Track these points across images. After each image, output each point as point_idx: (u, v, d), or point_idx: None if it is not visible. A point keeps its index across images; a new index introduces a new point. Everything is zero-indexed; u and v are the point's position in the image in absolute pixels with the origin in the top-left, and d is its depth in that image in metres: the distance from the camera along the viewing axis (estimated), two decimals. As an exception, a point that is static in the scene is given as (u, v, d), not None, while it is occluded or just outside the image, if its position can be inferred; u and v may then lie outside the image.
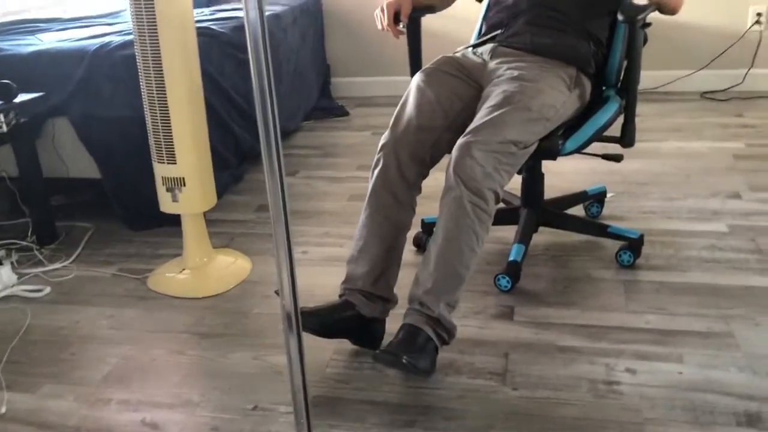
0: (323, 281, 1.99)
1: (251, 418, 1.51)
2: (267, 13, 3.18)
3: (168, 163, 1.96)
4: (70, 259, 2.28)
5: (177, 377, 1.68)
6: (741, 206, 2.32)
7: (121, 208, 2.44)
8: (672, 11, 1.77)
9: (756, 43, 3.51)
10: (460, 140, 1.61)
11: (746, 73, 3.55)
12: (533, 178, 2.07)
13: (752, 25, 3.49)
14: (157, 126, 1.93)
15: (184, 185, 1.98)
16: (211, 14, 3.07)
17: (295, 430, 1.20)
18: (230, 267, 2.14)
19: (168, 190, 2.00)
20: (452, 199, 1.57)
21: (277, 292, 1.17)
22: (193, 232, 2.09)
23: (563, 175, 2.62)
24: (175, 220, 2.12)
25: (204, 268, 2.11)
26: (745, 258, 2.00)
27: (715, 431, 1.37)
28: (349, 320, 1.65)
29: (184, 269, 2.10)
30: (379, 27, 1.94)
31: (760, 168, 2.61)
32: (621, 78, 1.93)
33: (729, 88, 3.57)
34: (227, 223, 2.48)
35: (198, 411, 1.55)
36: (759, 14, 3.47)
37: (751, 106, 3.36)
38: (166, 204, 2.04)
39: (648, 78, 3.51)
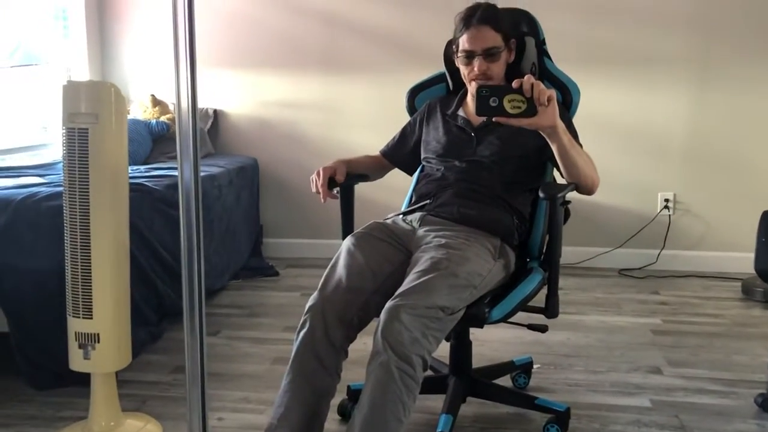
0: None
1: None
2: (203, 174, 3.24)
3: (84, 318, 1.87)
4: (-40, 420, 2.07)
5: None
6: (662, 381, 2.35)
7: (25, 364, 2.27)
8: (588, 191, 1.89)
9: (666, 226, 3.76)
10: (389, 304, 1.61)
11: (659, 253, 3.76)
12: (461, 346, 2.06)
13: (661, 210, 3.76)
14: (77, 278, 1.86)
15: (98, 341, 1.87)
16: (146, 171, 3.10)
17: None
18: (139, 433, 1.98)
19: (80, 346, 1.89)
20: (379, 365, 1.54)
21: None
22: (102, 392, 1.95)
23: (490, 343, 2.63)
24: (83, 380, 1.98)
25: (110, 433, 1.94)
26: (669, 435, 2.00)
27: None
28: None
29: (87, 433, 1.94)
30: (314, 189, 1.99)
31: (678, 344, 2.69)
32: (544, 251, 2.00)
33: (644, 267, 3.76)
34: (140, 384, 2.33)
35: None
36: (667, 200, 3.75)
37: (665, 284, 3.53)
38: (77, 361, 1.91)
39: (569, 253, 3.67)
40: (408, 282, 1.66)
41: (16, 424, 2.06)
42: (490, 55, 1.92)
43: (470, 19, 1.93)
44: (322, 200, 1.99)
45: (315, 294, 1.72)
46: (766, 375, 2.38)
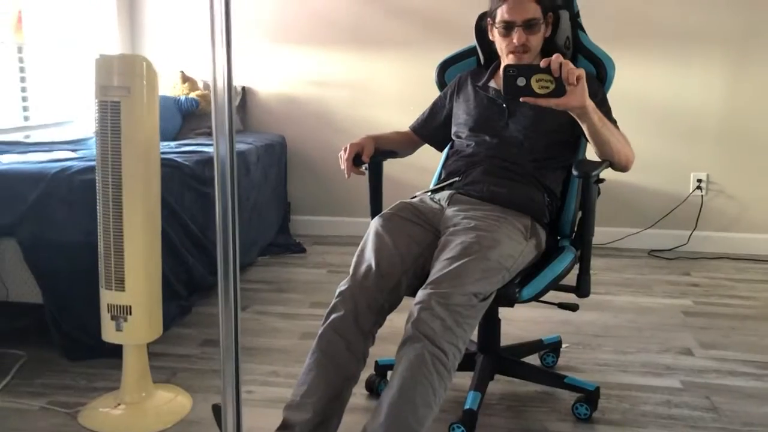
0: (267, 424, 1.87)
1: None
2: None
3: (116, 290, 1.89)
4: (-3, 388, 2.12)
5: None
6: (693, 363, 2.32)
7: (60, 336, 2.31)
8: (623, 168, 1.85)
9: (698, 207, 3.69)
10: (420, 293, 1.60)
11: (690, 235, 3.70)
12: (490, 325, 2.05)
13: (694, 191, 3.69)
14: (109, 251, 1.88)
15: (130, 314, 1.90)
16: (176, 147, 3.11)
17: None
18: (169, 404, 2.01)
19: (113, 318, 1.92)
20: (411, 350, 1.53)
21: (215, 410, 1.09)
22: (134, 364, 1.98)
23: (518, 322, 2.61)
24: (116, 351, 2.01)
25: (141, 404, 1.97)
26: (700, 416, 1.97)
27: None
28: None
29: (119, 404, 1.97)
30: (342, 166, 1.98)
31: (709, 326, 2.65)
32: (575, 229, 1.98)
33: (675, 248, 3.71)
34: (171, 357, 2.36)
35: None
36: (699, 180, 3.68)
37: (697, 265, 3.47)
38: (109, 333, 1.94)
39: (599, 233, 3.61)
40: (438, 269, 1.64)
41: (51, 393, 2.11)
42: (530, 26, 1.89)
43: None
44: (347, 175, 1.98)
45: (346, 280, 1.71)
46: (801, 358, 2.34)
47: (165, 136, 3.48)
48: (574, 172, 1.78)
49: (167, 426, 1.91)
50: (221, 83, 1.08)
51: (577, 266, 1.91)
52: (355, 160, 1.98)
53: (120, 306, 1.89)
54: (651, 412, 1.99)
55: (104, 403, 2.00)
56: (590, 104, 1.67)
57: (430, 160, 2.33)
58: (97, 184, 1.89)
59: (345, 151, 1.97)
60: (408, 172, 3.25)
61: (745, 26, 3.51)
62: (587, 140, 1.83)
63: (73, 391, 2.12)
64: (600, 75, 1.99)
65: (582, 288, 1.86)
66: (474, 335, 2.05)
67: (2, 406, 2.03)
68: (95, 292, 1.96)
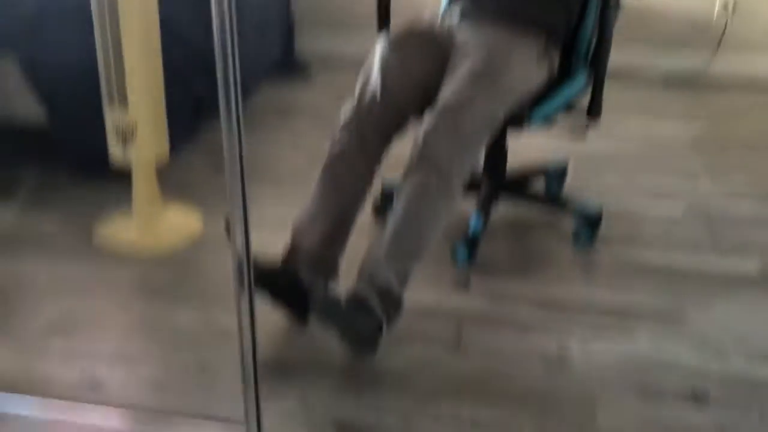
0: (277, 244, 1.93)
1: (196, 378, 1.46)
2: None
3: (120, 108, 1.87)
4: (10, 207, 2.17)
5: (121, 332, 1.62)
6: (699, 189, 2.33)
7: (66, 155, 2.33)
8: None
9: (721, 29, 3.53)
10: (427, 117, 1.57)
11: (711, 59, 3.57)
12: (497, 148, 2.04)
13: (719, 11, 3.50)
14: (110, 67, 1.84)
15: (136, 133, 1.89)
16: (172, -41, 2.93)
17: (242, 391, 1.16)
18: (181, 223, 2.07)
19: (118, 137, 1.91)
20: (417, 174, 1.53)
21: (227, 224, 1.12)
22: (144, 185, 2.01)
23: (526, 146, 2.59)
24: (125, 173, 2.03)
25: (153, 223, 2.03)
26: (700, 239, 2.01)
27: (663, 407, 1.38)
28: (287, 284, 1.55)
29: (132, 222, 2.02)
30: None
31: (719, 153, 2.64)
32: (591, 51, 1.90)
33: (693, 72, 3.59)
34: (179, 178, 2.38)
35: (141, 367, 1.50)
36: (726, 1, 3.49)
37: (714, 91, 3.38)
38: (116, 153, 1.95)
39: (614, 56, 3.50)
40: (447, 93, 1.60)
41: (64, 211, 2.16)
42: None
43: None
44: None
45: (351, 106, 1.68)
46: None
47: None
48: (594, -12, 1.67)
49: (180, 243, 1.98)
50: None
51: (589, 89, 1.86)
52: None
53: (125, 125, 1.88)
54: (652, 235, 2.03)
55: (117, 221, 2.05)
56: None
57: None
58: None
59: None
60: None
61: None
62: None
63: (85, 209, 2.17)
64: None
65: (593, 111, 1.83)
66: (481, 157, 2.05)
67: (19, 223, 2.09)
68: (100, 110, 1.94)
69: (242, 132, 1.07)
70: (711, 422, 1.35)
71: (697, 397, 1.41)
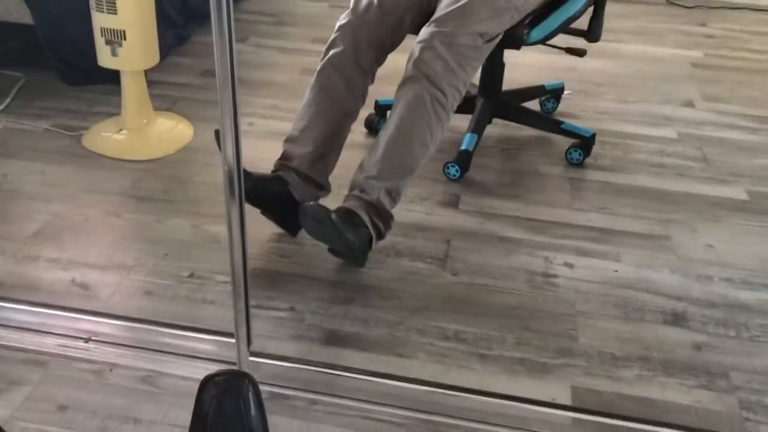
0: (268, 154, 1.91)
1: (186, 285, 1.48)
2: None
3: (108, 13, 1.81)
4: (-2, 110, 2.14)
5: (110, 239, 1.63)
6: (693, 115, 2.32)
7: (55, 59, 2.27)
8: None
9: (729, -49, 3.42)
10: (423, 31, 1.53)
11: (715, -19, 3.48)
12: (493, 68, 2.01)
13: (728, -69, 3.39)
14: (97, -30, 1.77)
15: (125, 39, 1.84)
16: None
17: (232, 299, 1.18)
18: (171, 131, 2.05)
19: (107, 42, 1.86)
20: (411, 90, 1.51)
21: (217, 134, 1.11)
22: (133, 91, 1.97)
23: (522, 67, 2.55)
24: (114, 77, 1.99)
25: (143, 130, 2.01)
26: (690, 165, 2.02)
27: (642, 327, 1.42)
28: (277, 195, 1.54)
29: (121, 129, 2.00)
30: None
31: (717, 79, 2.61)
32: (595, -32, 1.85)
33: (696, -5, 3.51)
34: (170, 86, 2.35)
35: (131, 274, 1.51)
36: None
37: (715, 15, 3.32)
38: (105, 58, 1.90)
39: (618, -24, 3.40)
40: (444, 6, 1.55)
41: (52, 115, 2.13)
42: None
43: None
44: None
45: (346, 13, 1.63)
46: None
47: None
48: None
49: (170, 152, 1.96)
50: None
51: (590, 9, 1.82)
52: None
53: (113, 30, 1.83)
54: (642, 160, 2.04)
55: (106, 127, 2.03)
56: None
57: None
58: None
59: None
60: None
61: None
62: None
63: (74, 114, 2.14)
64: None
65: (593, 32, 1.80)
66: (476, 78, 2.02)
67: (7, 126, 2.06)
68: (89, 13, 1.88)
69: (233, 40, 1.04)
70: (688, 341, 1.39)
71: (677, 318, 1.45)
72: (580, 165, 1.99)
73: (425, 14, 1.63)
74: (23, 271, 1.51)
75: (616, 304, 1.48)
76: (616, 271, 1.58)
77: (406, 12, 1.65)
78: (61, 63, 2.28)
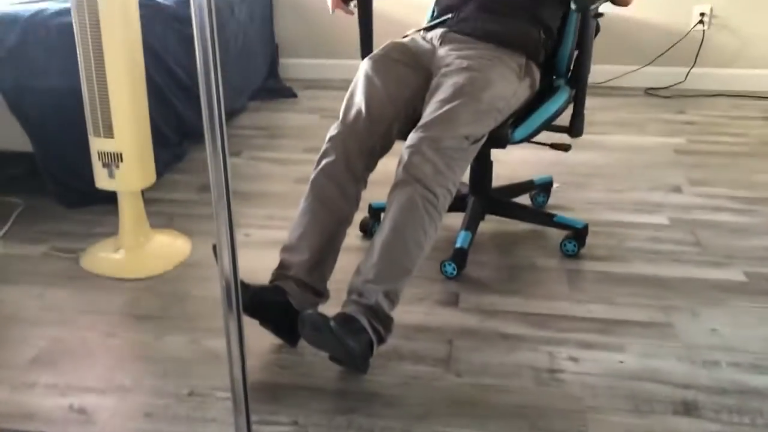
0: (266, 265, 1.93)
1: (187, 404, 1.45)
2: (214, -12, 3.08)
3: (105, 137, 1.87)
4: (-3, 236, 2.16)
5: (109, 361, 1.61)
6: (682, 200, 2.36)
7: (54, 184, 2.32)
8: (624, 2, 1.77)
9: (699, 42, 3.59)
10: (411, 136, 1.58)
11: (689, 71, 3.63)
12: (482, 166, 2.05)
13: (696, 25, 3.57)
14: (94, 97, 1.84)
15: (122, 161, 1.89)
16: (155, -14, 2.95)
17: (233, 416, 1.15)
18: (168, 248, 2.06)
19: (104, 165, 1.91)
20: (402, 193, 1.54)
21: (215, 248, 1.12)
22: (130, 210, 2.01)
23: (510, 163, 2.63)
24: (111, 198, 2.03)
25: (141, 248, 2.02)
26: (685, 250, 2.03)
27: (653, 419, 1.39)
28: (275, 305, 1.54)
29: (119, 249, 2.02)
30: (330, 8, 1.89)
31: (700, 163, 2.67)
32: (571, 68, 1.93)
33: (672, 85, 3.65)
34: (167, 203, 2.39)
35: (130, 396, 1.48)
36: (702, 14, 3.55)
37: (692, 103, 3.44)
38: (102, 180, 1.95)
39: (595, 71, 3.52)
40: (430, 112, 1.61)
41: (51, 239, 2.15)
42: None
43: None
44: (330, 10, 1.89)
45: (336, 124, 1.69)
46: (787, 193, 2.38)
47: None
48: (573, 6, 1.70)
49: (168, 269, 1.97)
50: None
51: (571, 106, 1.88)
52: None
53: (110, 153, 1.88)
54: (637, 248, 2.05)
55: (104, 247, 2.05)
56: None
57: (422, -4, 2.22)
58: (74, 28, 1.81)
59: None
60: (400, 9, 3.11)
61: None
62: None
63: (72, 237, 2.16)
64: None
65: (575, 128, 1.85)
66: (466, 176, 2.07)
67: (6, 252, 2.08)
68: (85, 137, 1.94)
69: (227, 155, 1.07)
70: (702, 431, 1.35)
71: (688, 407, 1.41)
72: (575, 256, 2.00)
73: (412, 121, 1.69)
74: (20, 399, 1.48)
75: (625, 396, 1.45)
76: (622, 362, 1.56)
77: (394, 120, 1.71)
78: (59, 187, 2.33)
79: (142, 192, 2.04)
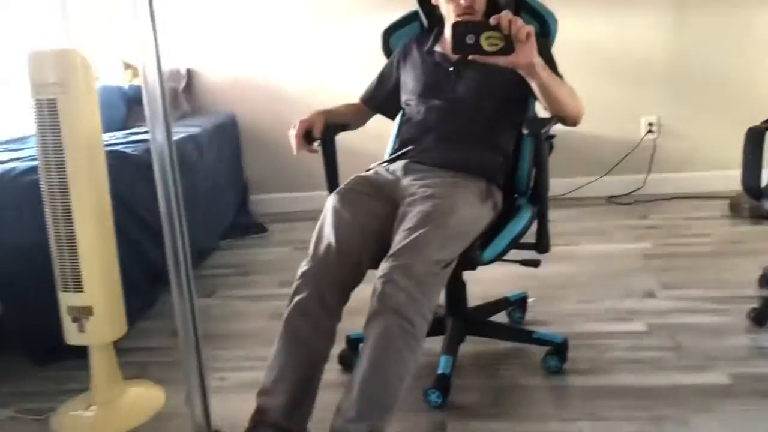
0: (244, 409, 1.87)
1: None
2: (182, 135, 3.18)
3: (74, 292, 1.85)
4: (-38, 402, 2.07)
5: None
6: (656, 305, 2.38)
7: (22, 341, 2.26)
8: (573, 123, 1.86)
9: (651, 150, 3.75)
10: (383, 266, 1.59)
11: (646, 178, 3.76)
12: (456, 288, 2.06)
13: (646, 134, 3.74)
14: (63, 253, 1.83)
15: (92, 314, 1.86)
16: (124, 137, 3.04)
17: None
18: (142, 399, 1.99)
19: (74, 320, 1.88)
20: (378, 324, 1.53)
21: (186, 400, 1.08)
22: (102, 364, 1.95)
23: (484, 281, 2.63)
24: (82, 352, 1.98)
25: (113, 403, 1.95)
26: (666, 356, 2.02)
27: None
28: None
29: (91, 405, 1.94)
30: (294, 150, 1.94)
31: (670, 267, 2.72)
32: (531, 186, 1.99)
33: (632, 192, 3.77)
34: (139, 352, 2.33)
35: None
36: (650, 124, 3.73)
37: (654, 207, 3.54)
38: (72, 335, 1.91)
39: (556, 185, 3.64)
40: (399, 240, 1.64)
41: (19, 400, 2.07)
42: None
43: None
44: (295, 152, 1.95)
45: (306, 260, 1.70)
46: (756, 290, 2.41)
47: (111, 127, 3.39)
48: (525, 131, 1.78)
49: (142, 421, 1.90)
50: (150, 66, 1.04)
51: (536, 222, 1.93)
52: (307, 137, 1.95)
53: (80, 307, 1.86)
54: (618, 358, 2.04)
55: (75, 406, 1.97)
56: (539, 61, 1.66)
57: (385, 126, 2.31)
58: (41, 185, 1.84)
59: (294, 128, 1.94)
60: (364, 141, 3.20)
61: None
62: (536, 98, 1.83)
63: (41, 396, 2.08)
64: (543, 31, 1.98)
65: (541, 244, 1.88)
66: (441, 299, 2.07)
67: (-30, 420, 1.99)
68: (54, 293, 1.92)
69: (194, 301, 1.07)
70: None
71: None
72: (558, 372, 1.97)
73: (382, 251, 1.70)
74: None
75: None
76: (619, 481, 1.51)
77: (363, 251, 1.72)
78: (28, 344, 2.27)
79: (114, 343, 1.99)
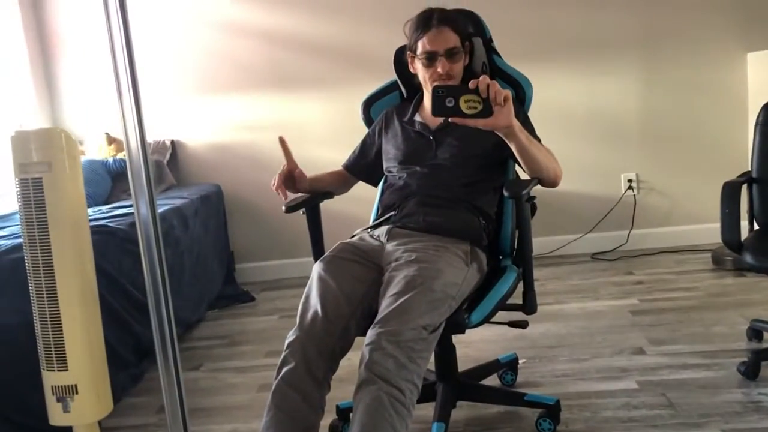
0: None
1: None
2: (167, 207, 3.19)
3: (59, 371, 1.82)
4: (-59, 491, 2.01)
5: None
6: (646, 361, 2.37)
7: (4, 423, 2.20)
8: (552, 184, 1.89)
9: (632, 206, 3.81)
10: (370, 333, 1.59)
11: (629, 234, 3.81)
12: (445, 352, 2.05)
13: (626, 191, 3.80)
14: (47, 331, 1.81)
15: (77, 393, 1.82)
16: (108, 212, 3.04)
17: None
18: (129, 480, 1.94)
19: (58, 400, 1.84)
20: (367, 393, 1.51)
21: None
22: (87, 444, 1.90)
23: (474, 344, 2.63)
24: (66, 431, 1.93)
25: (99, 485, 1.89)
26: (659, 414, 2.01)
27: None
28: None
29: (75, 488, 1.88)
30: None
31: (657, 322, 2.72)
32: (515, 247, 2.01)
33: (616, 248, 3.80)
34: (125, 429, 2.28)
35: None
36: (630, 180, 3.80)
37: (638, 263, 3.57)
38: (56, 416, 1.86)
39: (540, 244, 3.70)
40: (385, 306, 1.64)
41: (0, 487, 2.01)
42: (451, 55, 1.93)
43: (429, 20, 1.93)
44: (278, 193, 1.97)
45: (294, 330, 1.69)
46: (745, 342, 2.42)
47: (96, 201, 3.41)
48: (505, 193, 1.81)
49: (128, 504, 1.84)
50: (133, 139, 1.06)
51: (522, 283, 1.93)
52: (291, 183, 2.02)
53: (65, 386, 1.82)
54: (612, 417, 2.02)
55: (59, 489, 1.91)
56: (517, 124, 1.71)
57: (370, 192, 2.34)
58: (26, 264, 1.83)
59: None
60: (348, 206, 3.24)
61: (648, 28, 3.67)
62: (515, 160, 1.87)
63: (24, 481, 2.02)
64: (519, 96, 2.04)
65: (528, 305, 1.88)
66: (431, 364, 2.05)
67: None
68: (38, 372, 1.88)
69: (180, 376, 1.06)
70: None
71: None
72: (552, 434, 1.95)
73: (369, 317, 1.70)
74: None
75: None
76: None
77: (350, 318, 1.72)
78: (10, 426, 2.21)
79: (99, 422, 1.95)
